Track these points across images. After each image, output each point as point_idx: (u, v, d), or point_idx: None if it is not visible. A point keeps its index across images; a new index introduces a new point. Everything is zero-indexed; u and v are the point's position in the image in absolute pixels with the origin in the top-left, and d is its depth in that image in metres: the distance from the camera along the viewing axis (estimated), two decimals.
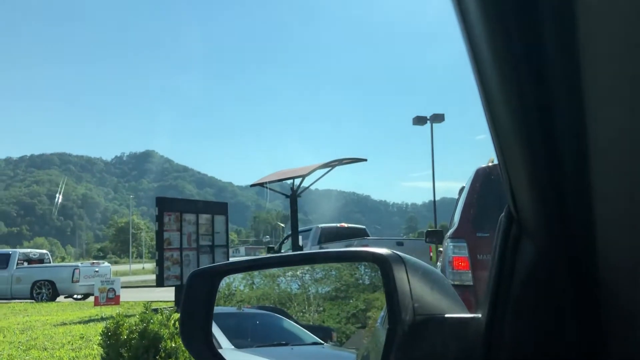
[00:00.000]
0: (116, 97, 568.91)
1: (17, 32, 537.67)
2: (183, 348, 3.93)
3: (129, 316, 8.56)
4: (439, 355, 0.78)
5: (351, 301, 1.28)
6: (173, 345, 3.82)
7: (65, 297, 19.90)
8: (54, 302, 17.81)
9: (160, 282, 14.44)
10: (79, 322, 10.81)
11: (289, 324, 1.50)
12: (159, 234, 14.35)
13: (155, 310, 13.41)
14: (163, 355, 3.77)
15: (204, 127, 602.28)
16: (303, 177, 14.86)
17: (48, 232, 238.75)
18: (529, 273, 0.67)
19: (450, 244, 5.78)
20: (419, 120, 31.87)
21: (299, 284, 1.47)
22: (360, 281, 1.28)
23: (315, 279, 1.43)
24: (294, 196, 15.27)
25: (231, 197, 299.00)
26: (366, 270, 1.26)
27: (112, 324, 4.06)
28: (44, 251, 22.80)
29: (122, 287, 28.79)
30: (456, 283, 5.42)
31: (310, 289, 1.45)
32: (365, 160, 16.58)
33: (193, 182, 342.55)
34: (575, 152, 0.54)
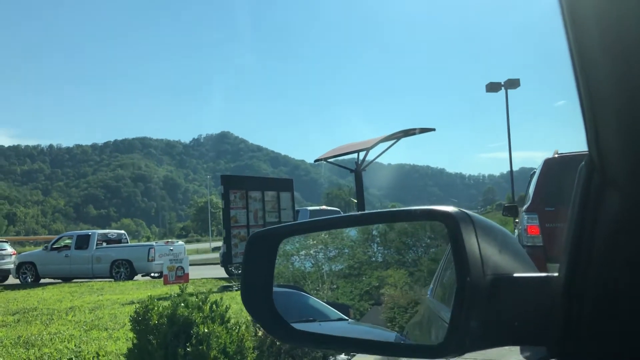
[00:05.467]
0: (192, 82, 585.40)
1: (98, 27, 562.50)
2: (217, 333, 3.63)
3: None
4: (512, 315, 0.76)
5: (364, 278, 1.28)
6: (206, 330, 3.50)
7: (142, 276, 20.53)
8: (130, 281, 18.34)
9: (228, 259, 14.51)
10: None
11: (314, 300, 1.50)
12: (225, 211, 14.40)
13: (225, 288, 13.52)
14: (194, 342, 3.45)
15: (276, 106, 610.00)
16: (367, 150, 14.32)
17: (134, 213, 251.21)
18: (613, 224, 0.64)
19: (525, 216, 7.47)
20: (493, 87, 30.33)
21: (313, 262, 1.50)
22: (373, 258, 1.27)
23: (328, 257, 1.45)
24: (358, 170, 14.78)
25: (304, 174, 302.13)
26: (379, 247, 1.26)
27: (141, 308, 3.80)
28: (122, 232, 23.55)
29: (202, 265, 29.73)
30: (530, 244, 7.16)
31: (323, 267, 1.48)
32: (434, 130, 15.77)
33: (267, 161, 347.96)
34: None
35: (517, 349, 0.80)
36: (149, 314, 3.67)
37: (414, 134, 15.26)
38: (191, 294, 4.01)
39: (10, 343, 6.60)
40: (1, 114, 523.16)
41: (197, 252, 51.95)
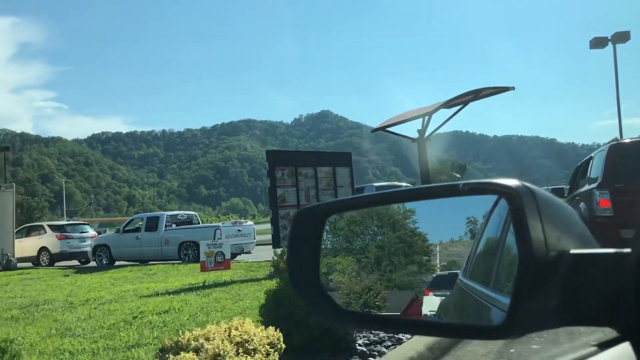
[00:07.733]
0: (293, 63, 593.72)
1: (203, 19, 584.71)
2: None
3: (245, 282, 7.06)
4: (579, 294, 0.73)
5: None
6: None
7: None
8: (190, 264, 17.51)
9: (276, 242, 13.22)
10: (171, 293, 9.88)
11: None
12: (272, 190, 13.05)
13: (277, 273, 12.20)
14: None
15: (373, 83, 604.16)
16: (429, 115, 12.40)
17: (241, 192, 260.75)
18: None
19: (597, 191, 8.56)
20: (598, 43, 26.62)
21: None
22: (323, 246, 1.22)
23: None
24: (421, 140, 12.90)
25: (405, 149, 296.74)
26: (328, 235, 1.26)
27: None
28: (193, 212, 23.03)
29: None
30: (603, 215, 8.22)
31: None
32: (513, 88, 13.42)
33: (367, 138, 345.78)
34: None
35: (585, 329, 0.77)
36: None
37: (487, 95, 13.05)
38: None
39: None
40: (119, 104, 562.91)
41: None
